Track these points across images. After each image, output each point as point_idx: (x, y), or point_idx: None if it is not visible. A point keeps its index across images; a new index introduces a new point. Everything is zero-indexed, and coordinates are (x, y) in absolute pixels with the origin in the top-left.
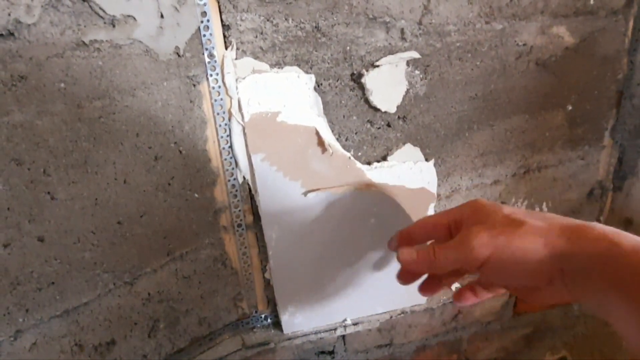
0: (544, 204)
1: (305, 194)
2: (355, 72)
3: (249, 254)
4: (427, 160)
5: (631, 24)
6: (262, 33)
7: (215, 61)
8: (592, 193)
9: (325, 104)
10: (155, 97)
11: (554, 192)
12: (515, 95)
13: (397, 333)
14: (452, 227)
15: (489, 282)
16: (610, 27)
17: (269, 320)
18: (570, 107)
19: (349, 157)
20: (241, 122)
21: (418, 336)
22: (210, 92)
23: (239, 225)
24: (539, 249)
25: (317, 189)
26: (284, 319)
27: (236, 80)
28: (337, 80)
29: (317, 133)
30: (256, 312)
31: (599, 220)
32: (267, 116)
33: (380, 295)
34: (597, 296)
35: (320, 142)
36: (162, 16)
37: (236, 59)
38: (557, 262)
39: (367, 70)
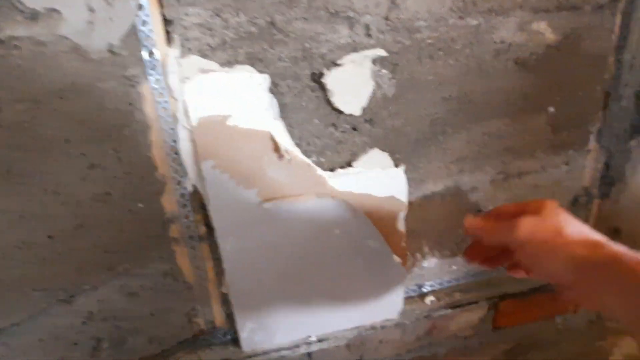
0: None
1: (261, 203)
2: (315, 71)
3: (203, 267)
4: (396, 166)
5: (619, 19)
6: (210, 29)
7: (157, 60)
8: (577, 200)
9: (282, 107)
10: (88, 99)
11: (536, 199)
12: (493, 97)
13: (367, 349)
14: (517, 215)
15: (526, 265)
16: (596, 24)
17: (227, 336)
18: (552, 110)
19: (309, 164)
20: (188, 127)
21: (390, 352)
22: (152, 94)
23: (191, 237)
24: (564, 253)
25: (275, 198)
26: (243, 335)
27: (181, 80)
28: (296, 81)
29: (273, 138)
30: (214, 328)
31: None
32: (217, 120)
33: (347, 309)
34: (603, 297)
35: (276, 148)
36: (91, 10)
37: (181, 57)
38: (575, 265)
39: (328, 70)
